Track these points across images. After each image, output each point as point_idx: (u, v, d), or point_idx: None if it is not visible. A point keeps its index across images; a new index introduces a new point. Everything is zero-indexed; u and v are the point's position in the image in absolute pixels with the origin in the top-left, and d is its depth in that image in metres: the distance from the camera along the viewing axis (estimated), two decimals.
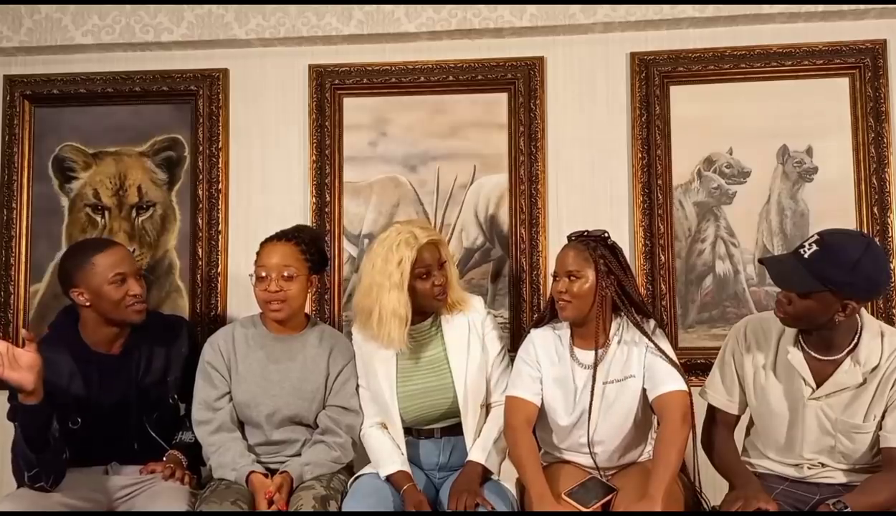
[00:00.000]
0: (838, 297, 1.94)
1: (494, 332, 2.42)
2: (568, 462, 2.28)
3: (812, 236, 2.01)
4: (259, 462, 2.34)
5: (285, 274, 2.35)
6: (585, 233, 2.26)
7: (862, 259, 1.92)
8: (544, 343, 2.29)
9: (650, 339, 2.18)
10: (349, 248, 2.92)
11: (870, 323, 2.07)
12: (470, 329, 2.38)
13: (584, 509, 2.07)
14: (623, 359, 2.20)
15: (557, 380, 2.24)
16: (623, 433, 2.21)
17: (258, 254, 2.42)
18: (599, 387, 2.20)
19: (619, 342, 2.22)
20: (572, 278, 2.18)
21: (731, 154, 2.83)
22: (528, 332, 2.36)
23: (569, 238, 2.29)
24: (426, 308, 2.36)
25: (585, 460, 2.25)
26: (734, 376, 2.20)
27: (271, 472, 2.31)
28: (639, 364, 2.19)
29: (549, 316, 2.34)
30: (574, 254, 2.20)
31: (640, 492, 2.02)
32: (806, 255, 1.96)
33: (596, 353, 2.20)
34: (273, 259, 2.37)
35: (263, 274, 2.37)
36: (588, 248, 2.20)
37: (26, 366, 2.02)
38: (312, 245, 2.45)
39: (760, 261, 2.14)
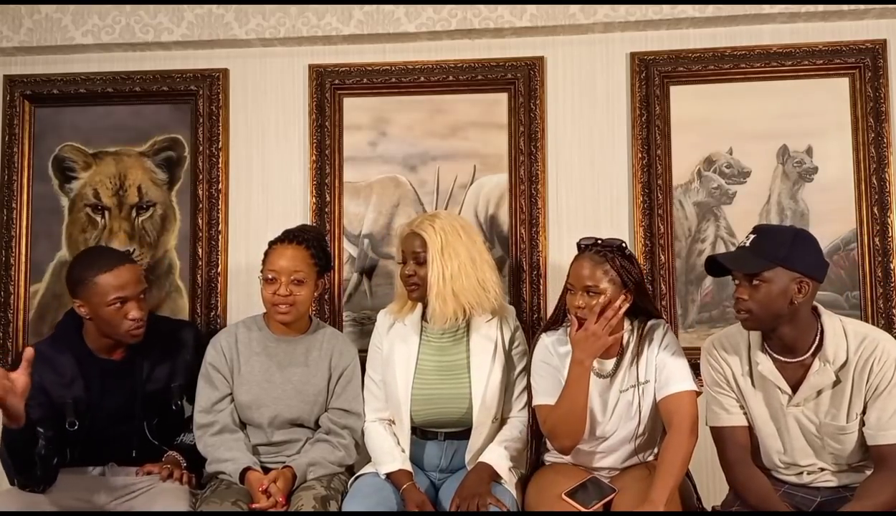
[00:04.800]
0: (790, 272, 1.96)
1: (521, 347, 2.42)
2: (569, 463, 2.28)
3: (749, 233, 2.08)
4: (259, 462, 2.34)
5: (294, 278, 2.35)
6: (599, 242, 2.18)
7: (798, 233, 2.03)
8: (561, 350, 2.25)
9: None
10: (349, 248, 2.92)
11: (829, 319, 2.06)
12: (497, 341, 2.36)
13: (584, 509, 2.07)
14: (637, 364, 2.19)
15: None
16: (635, 438, 2.20)
17: (267, 255, 2.41)
18: (616, 394, 2.19)
19: (633, 348, 2.20)
20: (590, 293, 2.11)
21: (731, 154, 2.83)
22: (540, 336, 2.31)
23: (580, 246, 2.21)
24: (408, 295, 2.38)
25: (590, 461, 2.25)
26: (728, 388, 2.13)
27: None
28: (651, 367, 2.18)
29: (561, 320, 2.30)
30: (591, 266, 2.13)
31: (642, 494, 2.02)
32: (748, 244, 2.02)
33: (624, 362, 2.20)
34: (283, 262, 2.36)
35: (272, 276, 2.36)
36: (606, 260, 2.13)
37: (20, 393, 1.88)
38: (319, 247, 2.45)
39: (708, 259, 2.08)
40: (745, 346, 2.12)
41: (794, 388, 2.04)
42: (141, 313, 2.31)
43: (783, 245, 1.98)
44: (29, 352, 1.90)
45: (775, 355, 2.06)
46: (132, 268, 2.35)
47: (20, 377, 1.87)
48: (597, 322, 2.09)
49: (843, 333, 2.03)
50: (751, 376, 2.11)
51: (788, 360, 2.05)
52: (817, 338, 2.03)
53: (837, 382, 2.02)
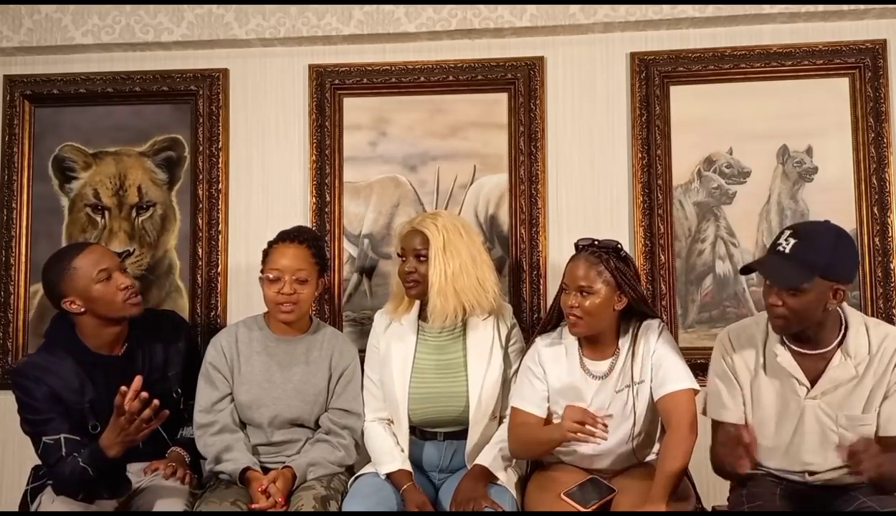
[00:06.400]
0: (829, 283, 1.93)
1: (518, 346, 2.42)
2: (569, 464, 2.28)
3: (784, 232, 2.00)
4: (259, 462, 2.34)
5: (296, 277, 2.36)
6: (596, 243, 2.20)
7: (838, 239, 1.96)
8: (552, 353, 2.25)
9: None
10: (349, 248, 2.92)
11: (853, 314, 2.06)
12: (494, 339, 2.37)
13: (583, 509, 2.07)
14: (632, 364, 2.18)
15: (567, 391, 2.21)
16: (632, 439, 2.19)
17: (267, 254, 2.42)
18: (610, 395, 2.19)
19: (628, 348, 2.20)
20: (584, 293, 2.13)
21: (731, 154, 2.83)
22: (534, 340, 2.31)
23: (577, 246, 2.22)
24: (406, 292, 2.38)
25: (588, 463, 2.25)
26: (734, 383, 2.13)
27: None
28: (647, 367, 2.17)
29: (555, 321, 2.30)
30: (586, 267, 2.14)
31: (642, 494, 2.01)
32: (788, 250, 1.94)
33: (629, 365, 2.20)
34: (286, 261, 2.37)
35: (274, 276, 2.36)
36: (601, 261, 2.15)
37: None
38: (318, 246, 2.46)
39: (747, 267, 2.07)
40: (761, 338, 2.11)
41: (813, 382, 2.04)
42: (130, 280, 2.35)
43: (825, 251, 1.92)
44: (138, 381, 2.04)
45: (794, 347, 2.05)
46: (99, 246, 2.48)
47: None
48: (595, 434, 2.05)
49: (866, 330, 2.03)
50: (764, 368, 2.10)
51: (808, 352, 2.04)
52: (841, 331, 2.03)
53: (856, 376, 2.01)
